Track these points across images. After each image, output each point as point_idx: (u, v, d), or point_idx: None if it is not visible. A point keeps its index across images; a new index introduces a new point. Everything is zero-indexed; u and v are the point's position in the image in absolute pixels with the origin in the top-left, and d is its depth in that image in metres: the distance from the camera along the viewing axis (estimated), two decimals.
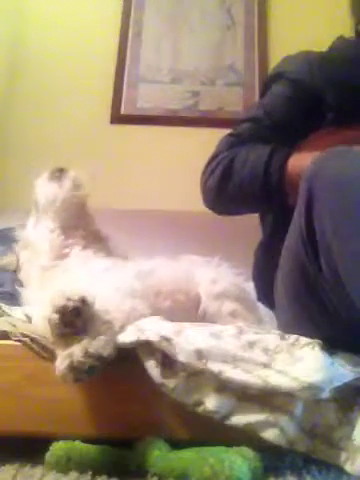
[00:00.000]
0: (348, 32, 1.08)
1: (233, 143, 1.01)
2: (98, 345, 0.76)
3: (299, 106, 0.99)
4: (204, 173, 1.02)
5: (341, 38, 1.08)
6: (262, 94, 1.09)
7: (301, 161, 0.89)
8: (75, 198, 1.18)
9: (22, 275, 1.15)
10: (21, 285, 1.13)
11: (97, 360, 0.74)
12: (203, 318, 1.07)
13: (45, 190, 1.17)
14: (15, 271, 1.19)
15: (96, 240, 1.17)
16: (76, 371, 0.74)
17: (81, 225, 1.17)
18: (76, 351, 0.74)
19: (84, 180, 1.19)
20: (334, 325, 0.78)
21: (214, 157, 1.01)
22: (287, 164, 0.90)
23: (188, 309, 1.08)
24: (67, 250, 1.11)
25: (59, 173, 1.18)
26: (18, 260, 1.18)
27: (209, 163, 1.02)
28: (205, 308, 1.10)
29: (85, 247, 1.12)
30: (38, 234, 1.15)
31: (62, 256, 1.10)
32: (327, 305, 0.76)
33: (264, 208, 1.08)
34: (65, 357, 0.75)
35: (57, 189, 1.16)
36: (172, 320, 0.89)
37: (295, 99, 1.00)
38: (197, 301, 1.11)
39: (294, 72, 1.01)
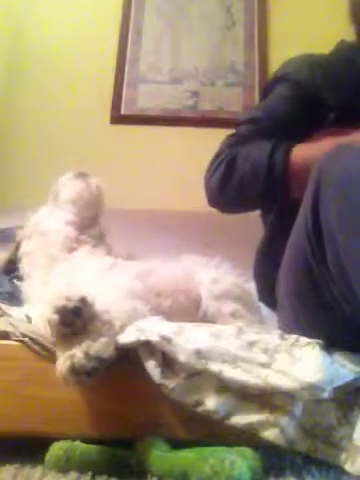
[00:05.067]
0: (348, 32, 1.08)
1: (235, 142, 1.01)
2: (99, 347, 0.76)
3: (301, 107, 1.00)
4: (207, 172, 1.03)
5: (342, 42, 1.09)
6: (263, 96, 1.09)
7: (305, 151, 0.89)
8: (98, 199, 1.21)
9: (24, 265, 1.14)
10: (19, 280, 1.13)
11: (98, 362, 0.74)
12: (204, 318, 1.07)
13: (72, 185, 1.20)
14: (7, 267, 1.19)
15: (104, 242, 1.19)
16: (77, 373, 0.74)
17: (95, 226, 1.20)
18: (77, 353, 0.74)
19: (105, 187, 1.23)
20: (336, 323, 0.78)
21: (216, 156, 1.02)
22: (291, 155, 0.90)
23: (189, 309, 1.08)
24: (75, 245, 1.13)
25: (83, 175, 1.22)
26: (16, 250, 1.18)
27: (212, 162, 1.02)
28: (206, 308, 1.10)
29: (94, 246, 1.14)
30: (53, 224, 1.16)
31: (71, 250, 1.12)
32: (330, 302, 0.76)
33: (266, 203, 1.08)
34: (66, 359, 0.75)
35: (84, 187, 1.20)
36: (173, 320, 0.89)
37: (296, 100, 1.00)
38: (198, 301, 1.11)
39: (296, 74, 1.02)
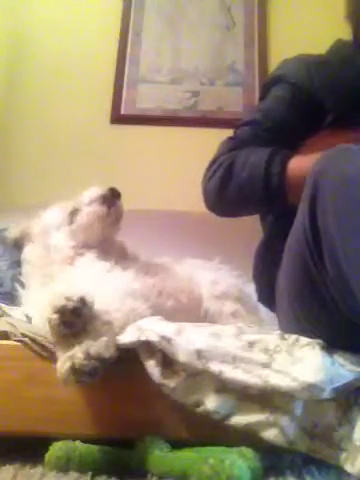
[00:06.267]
0: (348, 32, 1.08)
1: (233, 146, 1.01)
2: (99, 346, 0.76)
3: (298, 109, 1.00)
4: (205, 176, 1.03)
5: (339, 41, 1.08)
6: (261, 97, 1.09)
7: (301, 163, 0.89)
8: (115, 226, 1.19)
9: (24, 271, 1.14)
10: (21, 284, 1.13)
11: (98, 362, 0.74)
12: (205, 318, 1.08)
13: (93, 210, 1.14)
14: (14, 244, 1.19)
15: (109, 249, 1.16)
16: (78, 373, 0.74)
17: (99, 245, 1.16)
18: (77, 353, 0.74)
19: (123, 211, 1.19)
20: (335, 324, 0.78)
21: (215, 160, 1.02)
22: (287, 166, 0.90)
23: (190, 309, 1.09)
24: (78, 257, 1.11)
25: (111, 198, 1.16)
26: (21, 238, 1.17)
27: (210, 166, 1.02)
28: (207, 308, 1.10)
29: (94, 253, 1.12)
30: (59, 244, 1.13)
31: (70, 263, 1.10)
32: (329, 304, 0.76)
33: (264, 210, 1.08)
34: (66, 359, 0.75)
35: (104, 217, 1.14)
36: (175, 320, 0.89)
37: (294, 102, 1.00)
38: (199, 302, 1.11)
39: (293, 76, 1.02)
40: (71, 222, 1.15)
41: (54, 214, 1.18)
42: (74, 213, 1.16)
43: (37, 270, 1.10)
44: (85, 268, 1.05)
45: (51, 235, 1.15)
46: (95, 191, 1.17)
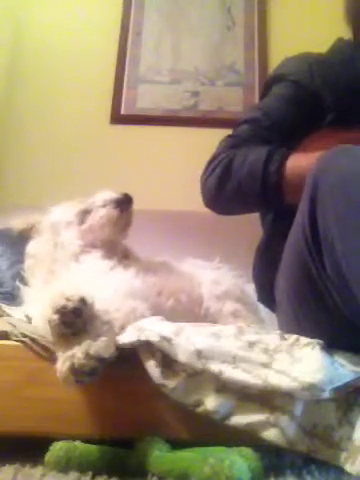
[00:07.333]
0: (348, 32, 1.08)
1: (233, 144, 1.01)
2: (99, 347, 0.76)
3: (299, 107, 1.00)
4: (204, 173, 1.03)
5: (340, 40, 1.08)
6: (263, 95, 1.09)
7: (299, 162, 0.89)
8: (125, 230, 1.19)
9: (26, 266, 1.14)
10: (23, 281, 1.13)
11: (98, 362, 0.74)
12: (205, 318, 1.07)
13: (106, 214, 1.14)
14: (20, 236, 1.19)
15: (113, 249, 1.16)
16: (77, 373, 0.74)
17: (105, 246, 1.15)
18: (77, 353, 0.74)
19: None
20: (335, 324, 0.78)
21: (214, 158, 1.02)
22: (285, 165, 0.90)
23: (190, 309, 1.09)
24: (83, 255, 1.11)
25: (125, 203, 1.16)
26: (27, 231, 1.17)
27: (209, 163, 1.02)
28: (207, 308, 1.10)
29: (98, 252, 1.12)
30: (66, 242, 1.13)
31: (75, 260, 1.10)
32: (329, 303, 0.76)
33: (262, 208, 1.08)
34: (66, 359, 0.75)
35: (115, 222, 1.15)
36: (174, 320, 0.89)
37: (295, 100, 1.00)
38: (199, 301, 1.11)
39: (295, 74, 1.02)
40: (82, 222, 1.16)
41: (64, 212, 1.18)
42: (85, 213, 1.16)
43: (41, 265, 1.10)
44: (88, 267, 1.05)
45: (60, 232, 1.14)
46: (109, 194, 1.18)
